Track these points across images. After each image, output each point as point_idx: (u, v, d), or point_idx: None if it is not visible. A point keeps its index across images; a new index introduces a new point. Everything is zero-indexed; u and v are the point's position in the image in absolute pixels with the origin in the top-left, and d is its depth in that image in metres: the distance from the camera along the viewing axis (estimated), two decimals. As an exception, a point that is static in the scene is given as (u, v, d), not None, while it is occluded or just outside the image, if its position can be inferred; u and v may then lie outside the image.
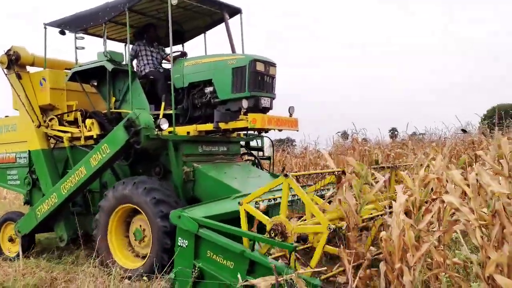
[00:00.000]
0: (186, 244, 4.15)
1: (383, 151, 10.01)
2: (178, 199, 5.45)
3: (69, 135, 6.69)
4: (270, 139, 7.70)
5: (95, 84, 6.87)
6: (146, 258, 5.18)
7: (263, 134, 7.15)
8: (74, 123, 6.95)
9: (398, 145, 10.57)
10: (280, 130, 6.17)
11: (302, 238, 3.76)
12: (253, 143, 7.36)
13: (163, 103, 6.07)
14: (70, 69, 7.44)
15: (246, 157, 7.37)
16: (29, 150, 7.24)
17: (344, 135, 11.75)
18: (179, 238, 4.24)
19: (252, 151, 7.29)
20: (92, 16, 6.55)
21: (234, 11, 6.87)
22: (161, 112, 6.00)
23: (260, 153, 7.61)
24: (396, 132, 16.68)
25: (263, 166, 7.31)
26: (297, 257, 3.45)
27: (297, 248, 3.41)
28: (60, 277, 4.99)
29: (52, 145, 7.08)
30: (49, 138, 7.02)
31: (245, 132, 6.94)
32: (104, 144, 5.76)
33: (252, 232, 3.77)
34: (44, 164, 6.81)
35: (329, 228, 3.32)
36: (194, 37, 7.68)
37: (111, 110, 6.58)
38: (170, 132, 5.83)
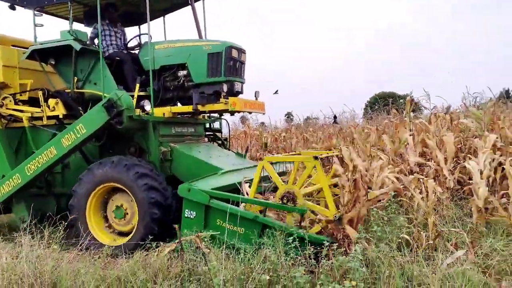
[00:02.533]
0: (194, 215, 4.43)
1: (273, 135, 11.07)
2: (161, 177, 5.60)
3: (29, 114, 6.23)
4: (227, 122, 8.11)
5: (53, 63, 6.47)
6: (133, 233, 5.28)
7: (222, 117, 7.57)
8: (28, 102, 6.49)
9: (284, 130, 11.76)
10: (250, 113, 6.64)
11: (291, 198, 4.25)
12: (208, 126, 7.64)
13: (137, 85, 6.07)
14: (17, 46, 6.88)
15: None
16: None
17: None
18: (186, 210, 4.50)
19: (215, 133, 7.62)
20: None
21: None
22: (135, 93, 6.01)
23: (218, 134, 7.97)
24: (291, 117, 18.30)
25: (226, 145, 7.68)
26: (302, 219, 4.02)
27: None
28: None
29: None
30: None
31: (208, 114, 7.23)
32: (80, 124, 5.61)
33: (264, 200, 4.24)
34: None
35: (335, 216, 3.86)
36: (151, 20, 7.60)
37: (76, 90, 6.29)
38: (147, 113, 5.89)
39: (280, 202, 4.12)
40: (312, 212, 4.16)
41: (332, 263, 3.03)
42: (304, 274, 2.93)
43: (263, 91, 6.64)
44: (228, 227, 4.26)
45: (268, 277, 2.94)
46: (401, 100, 6.09)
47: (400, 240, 3.37)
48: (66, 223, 4.64)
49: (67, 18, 7.07)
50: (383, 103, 8.21)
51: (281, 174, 4.99)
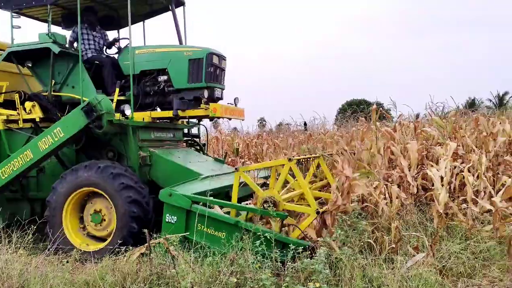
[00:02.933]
0: (175, 219, 4.48)
1: (245, 141, 11.23)
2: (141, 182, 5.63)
3: (4, 117, 6.18)
4: (205, 127, 8.19)
5: (30, 65, 6.45)
6: (112, 234, 5.28)
7: (201, 122, 7.65)
8: (3, 104, 6.44)
9: (255, 136, 11.93)
10: (230, 119, 6.75)
11: (272, 203, 4.38)
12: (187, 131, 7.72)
13: (117, 89, 6.10)
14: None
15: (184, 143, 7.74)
16: None
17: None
18: (167, 214, 4.54)
19: (194, 138, 7.69)
20: None
21: (179, 3, 7.10)
22: (115, 98, 6.05)
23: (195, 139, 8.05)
24: (264, 122, 18.53)
25: (204, 151, 7.76)
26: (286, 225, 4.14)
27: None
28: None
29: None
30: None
31: (187, 120, 7.30)
32: (57, 127, 5.60)
33: (246, 205, 4.34)
34: None
35: (317, 211, 4.01)
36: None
37: (53, 93, 6.28)
38: (126, 118, 5.93)
39: (262, 208, 4.20)
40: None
41: (298, 266, 3.16)
42: (270, 276, 3.05)
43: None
44: (209, 231, 4.29)
45: (235, 280, 3.05)
46: (378, 106, 6.30)
47: (362, 244, 3.53)
48: (35, 227, 4.62)
49: (45, 21, 7.06)
50: (353, 110, 8.39)
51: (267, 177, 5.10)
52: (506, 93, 28.45)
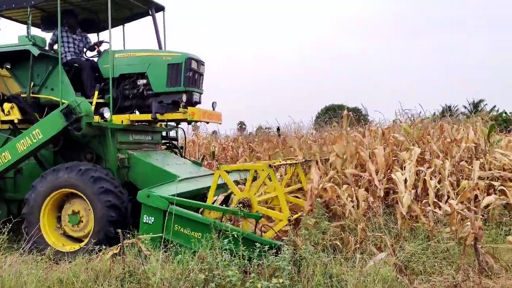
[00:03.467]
0: (153, 220, 4.60)
1: (221, 144, 11.42)
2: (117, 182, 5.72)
3: (-18, 118, 6.20)
4: (183, 130, 8.32)
5: (9, 67, 6.49)
6: (89, 237, 5.35)
7: (179, 126, 7.79)
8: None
9: (232, 140, 12.15)
10: (207, 123, 6.90)
11: (247, 204, 4.55)
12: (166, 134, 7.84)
13: (96, 92, 6.20)
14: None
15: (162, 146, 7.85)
16: None
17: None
18: (145, 215, 4.65)
19: (172, 141, 7.82)
20: None
21: (159, 7, 7.25)
22: (94, 100, 6.15)
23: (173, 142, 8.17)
24: (244, 126, 18.78)
25: (182, 154, 7.89)
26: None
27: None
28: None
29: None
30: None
31: (166, 123, 7.42)
32: (36, 129, 5.67)
33: (221, 206, 4.49)
34: None
35: (289, 219, 4.18)
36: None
37: (32, 95, 6.33)
38: (105, 121, 6.03)
39: (237, 208, 4.36)
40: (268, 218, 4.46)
41: (263, 263, 3.34)
42: (237, 273, 3.21)
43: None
44: (186, 232, 4.40)
45: (203, 276, 3.20)
46: (350, 112, 6.53)
47: (325, 243, 3.73)
48: (10, 227, 4.67)
49: (24, 23, 7.11)
50: (330, 115, 8.63)
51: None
52: (481, 101, 29.48)
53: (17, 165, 6.02)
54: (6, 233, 4.29)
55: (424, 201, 4.67)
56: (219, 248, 3.56)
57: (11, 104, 6.19)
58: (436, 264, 3.91)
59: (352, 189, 4.63)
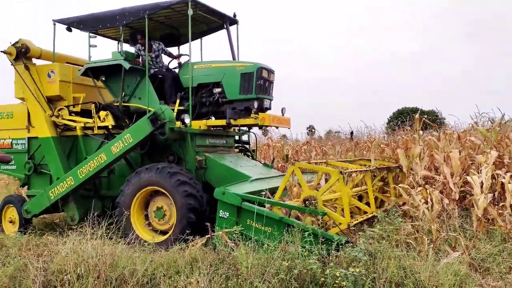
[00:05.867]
0: (228, 215, 5.26)
1: (294, 147, 11.90)
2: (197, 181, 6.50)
3: (82, 124, 7.35)
4: (255, 135, 9.00)
5: (103, 79, 7.59)
6: (172, 229, 6.16)
7: (251, 130, 8.46)
8: (80, 113, 7.61)
9: (304, 143, 12.52)
10: (277, 127, 7.50)
11: (312, 202, 4.99)
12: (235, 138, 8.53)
13: (177, 100, 7.08)
14: (70, 63, 8.07)
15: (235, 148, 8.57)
16: (28, 137, 7.78)
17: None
18: (221, 210, 5.33)
19: (244, 145, 8.52)
20: (109, 19, 7.29)
21: (233, 21, 8.03)
22: (176, 108, 7.01)
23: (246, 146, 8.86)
24: (313, 130, 18.99)
25: (254, 156, 8.56)
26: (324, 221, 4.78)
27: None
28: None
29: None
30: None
31: (238, 128, 8.13)
32: (127, 134, 6.64)
33: (288, 203, 5.04)
34: (54, 150, 7.42)
35: (348, 225, 4.56)
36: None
37: (123, 104, 7.36)
38: (185, 126, 6.85)
39: (303, 205, 4.88)
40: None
41: (340, 254, 3.79)
42: (317, 262, 3.70)
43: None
44: (257, 226, 5.02)
45: (287, 264, 3.73)
46: (425, 116, 6.67)
47: (399, 239, 4.07)
48: (108, 221, 5.54)
49: (116, 39, 8.26)
50: (403, 119, 8.73)
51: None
52: None
53: (111, 166, 7.06)
54: (104, 227, 5.15)
55: (502, 204, 4.80)
56: (299, 240, 4.07)
57: (106, 112, 7.27)
58: (512, 265, 4.06)
59: (427, 191, 4.89)
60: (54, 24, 7.62)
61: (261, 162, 8.32)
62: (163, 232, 6.52)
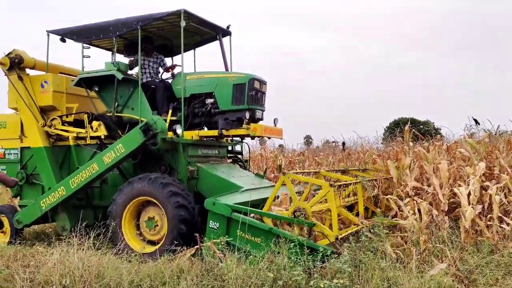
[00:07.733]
0: (218, 225, 5.31)
1: (288, 158, 12.00)
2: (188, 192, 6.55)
3: (74, 134, 7.43)
4: (248, 145, 9.08)
5: (97, 89, 7.69)
6: (163, 240, 6.20)
7: (244, 140, 8.55)
8: (72, 123, 7.69)
9: (298, 154, 12.63)
10: (269, 138, 7.58)
11: (302, 213, 5.04)
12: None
13: (170, 111, 7.16)
14: (63, 73, 8.18)
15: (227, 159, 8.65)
16: (20, 147, 7.85)
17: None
18: (211, 221, 5.39)
19: (237, 155, 8.59)
20: (102, 30, 7.41)
21: (226, 33, 8.16)
22: (168, 118, 7.10)
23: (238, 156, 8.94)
24: (311, 140, 19.12)
25: (246, 167, 8.63)
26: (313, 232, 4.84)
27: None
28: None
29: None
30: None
31: (231, 138, 8.22)
32: (119, 144, 6.72)
33: (278, 214, 5.10)
34: (46, 160, 7.48)
35: (336, 237, 4.63)
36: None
37: (116, 114, 7.44)
38: (177, 136, 6.93)
39: (292, 215, 4.93)
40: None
41: (326, 266, 3.84)
42: (302, 273, 3.75)
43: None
44: (247, 237, 5.07)
45: (272, 275, 3.78)
46: (420, 126, 6.77)
47: (383, 250, 4.13)
48: (96, 232, 5.59)
49: (110, 50, 8.38)
50: (401, 129, 8.81)
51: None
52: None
53: (103, 176, 7.12)
54: (95, 235, 5.20)
55: (490, 216, 4.86)
56: (284, 252, 4.12)
57: (98, 122, 7.35)
58: (499, 277, 4.11)
59: (415, 202, 4.95)
60: (48, 35, 7.73)
61: (253, 173, 8.38)
62: (154, 243, 6.56)
